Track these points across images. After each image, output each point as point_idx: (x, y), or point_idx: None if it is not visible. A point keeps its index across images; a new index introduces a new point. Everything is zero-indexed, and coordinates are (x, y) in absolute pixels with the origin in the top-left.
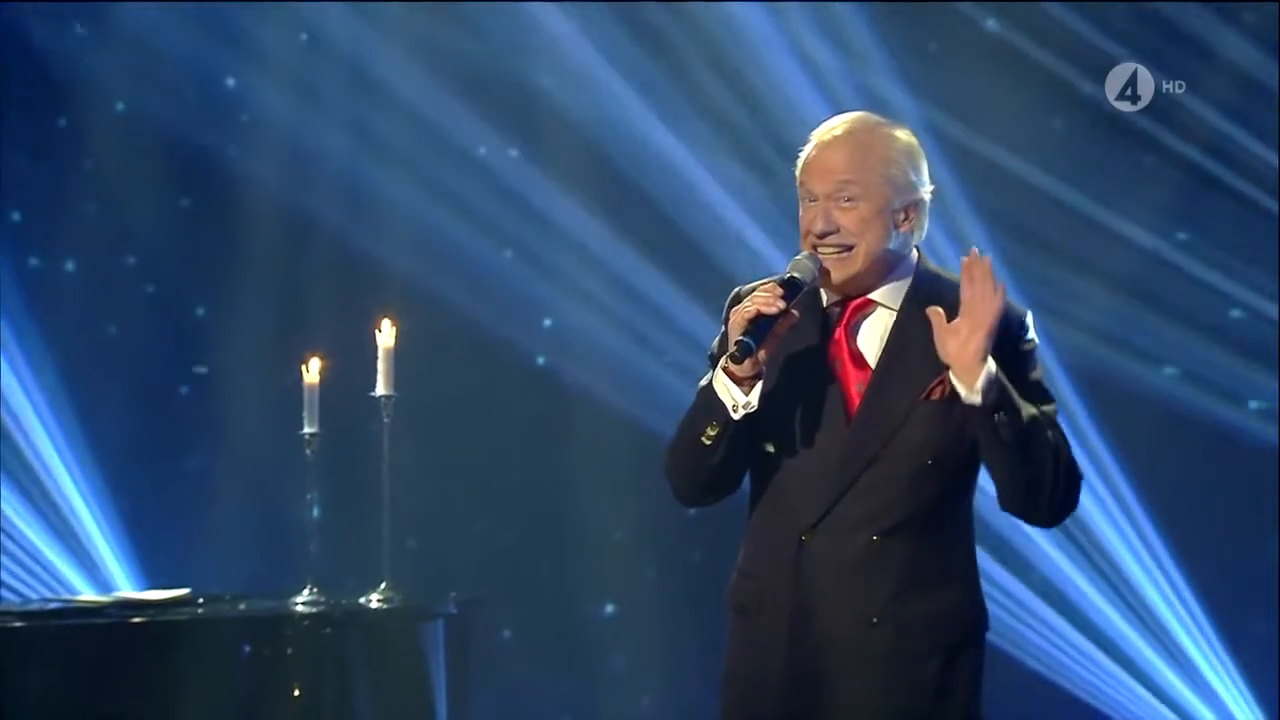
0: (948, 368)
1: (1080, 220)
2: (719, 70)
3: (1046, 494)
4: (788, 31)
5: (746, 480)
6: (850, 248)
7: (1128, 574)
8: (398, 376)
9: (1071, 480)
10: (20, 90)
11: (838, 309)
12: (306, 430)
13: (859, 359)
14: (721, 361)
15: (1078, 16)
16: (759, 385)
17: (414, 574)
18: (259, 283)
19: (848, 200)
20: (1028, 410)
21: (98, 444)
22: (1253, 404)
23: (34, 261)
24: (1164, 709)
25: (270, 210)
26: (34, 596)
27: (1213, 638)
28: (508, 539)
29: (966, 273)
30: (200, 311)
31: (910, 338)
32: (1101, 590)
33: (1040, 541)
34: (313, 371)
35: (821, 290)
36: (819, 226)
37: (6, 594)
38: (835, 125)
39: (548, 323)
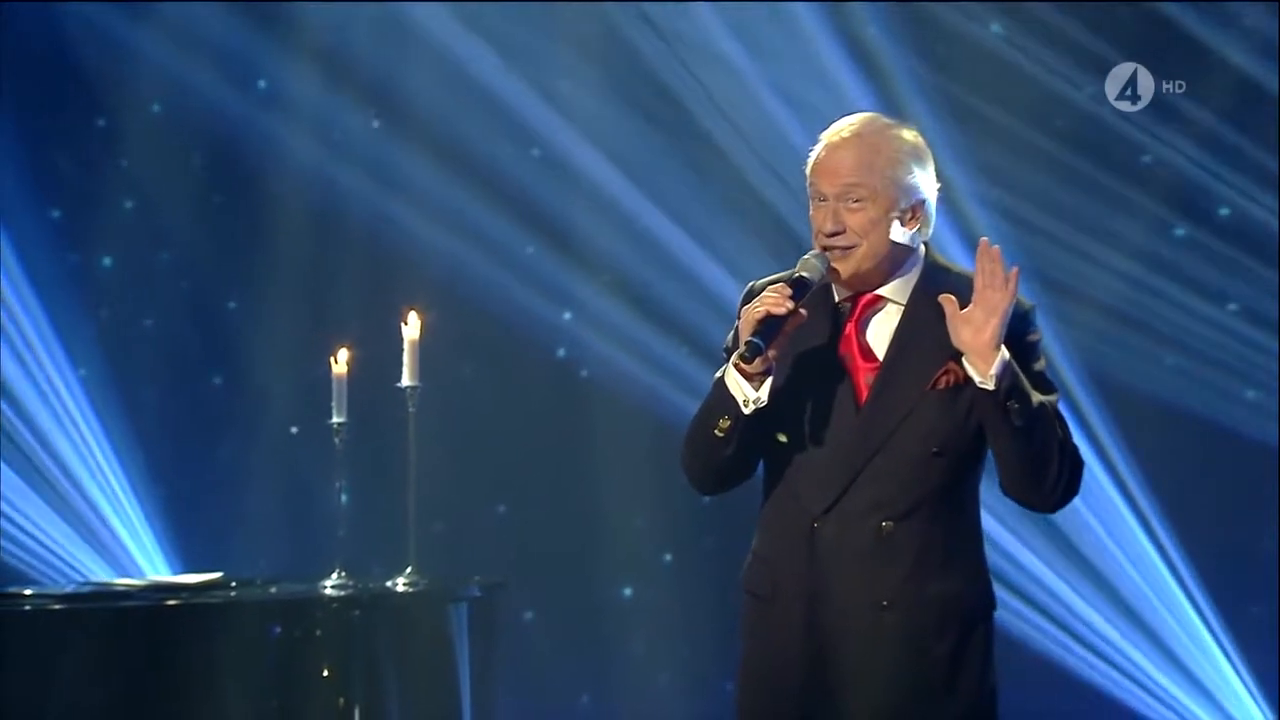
0: (954, 357)
1: (1083, 216)
2: (732, 71)
3: (1050, 480)
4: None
5: (760, 468)
6: (858, 246)
7: (1127, 560)
8: (423, 368)
9: (1074, 467)
10: (60, 93)
11: (848, 305)
12: (335, 419)
13: (868, 353)
14: (732, 359)
15: (1076, 16)
16: (769, 381)
17: (439, 558)
18: (288, 277)
19: (856, 201)
20: (1036, 397)
21: (135, 433)
22: (1250, 394)
23: (73, 257)
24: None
25: (299, 207)
26: (77, 578)
27: (1211, 618)
28: (529, 525)
29: (979, 262)
30: (232, 305)
31: (918, 331)
32: (1102, 577)
33: (1039, 528)
34: (341, 362)
35: (833, 287)
36: (829, 226)
37: (51, 574)
38: (843, 127)
39: (568, 316)
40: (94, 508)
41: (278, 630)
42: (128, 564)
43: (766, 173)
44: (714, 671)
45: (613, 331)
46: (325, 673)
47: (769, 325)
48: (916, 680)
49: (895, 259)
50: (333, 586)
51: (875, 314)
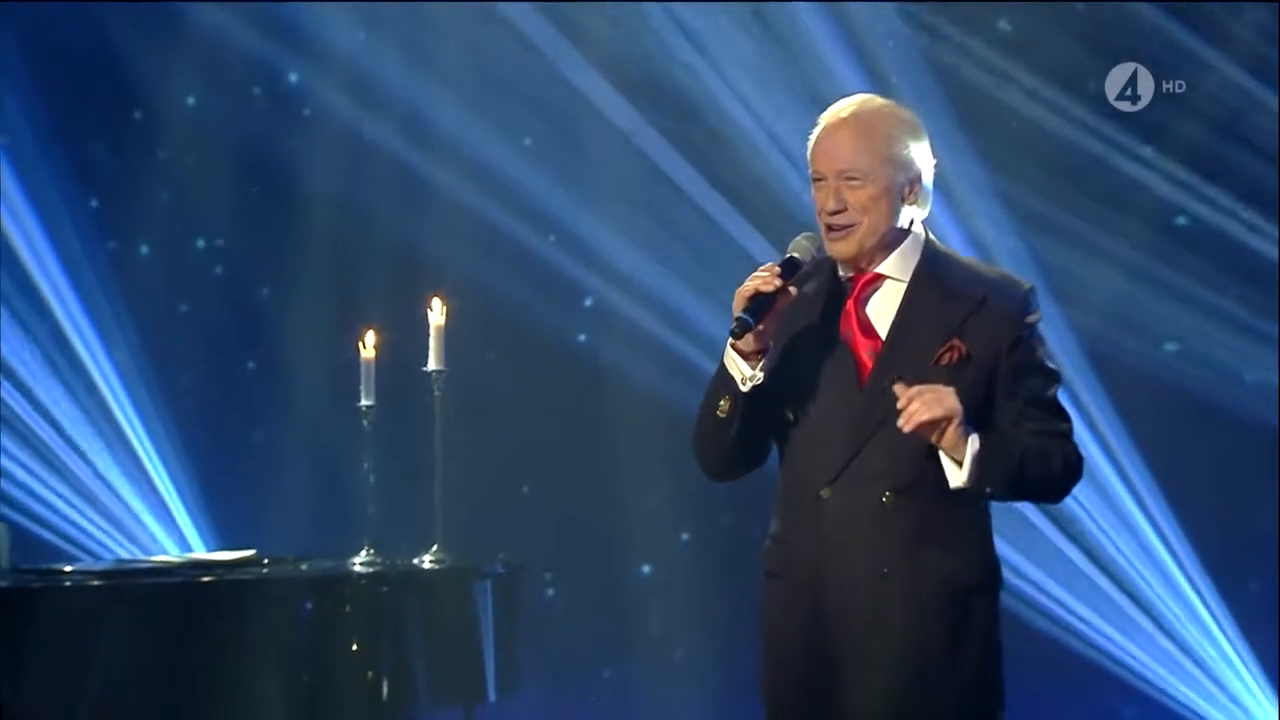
0: (956, 333)
1: (1086, 207)
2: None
3: (1048, 498)
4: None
5: (775, 455)
6: (860, 224)
7: (1125, 539)
8: (448, 353)
9: (1072, 475)
10: (99, 87)
11: (849, 282)
12: (364, 402)
13: (869, 329)
14: (729, 339)
15: (1078, 17)
16: (764, 359)
17: (464, 537)
18: (318, 266)
19: (855, 180)
20: (1016, 451)
21: (171, 416)
22: (1249, 377)
23: (111, 245)
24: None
25: (330, 197)
26: (123, 554)
27: (1210, 598)
28: (551, 505)
29: (905, 407)
30: (265, 292)
31: (919, 307)
32: (1100, 557)
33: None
34: (369, 347)
35: (839, 266)
36: (830, 205)
37: (96, 548)
38: (840, 108)
39: (588, 302)
40: (131, 488)
41: (309, 606)
42: (163, 544)
43: (783, 160)
44: (729, 646)
45: (632, 318)
46: (354, 647)
47: (758, 302)
48: (918, 653)
49: (895, 236)
50: (362, 564)
51: (875, 291)
